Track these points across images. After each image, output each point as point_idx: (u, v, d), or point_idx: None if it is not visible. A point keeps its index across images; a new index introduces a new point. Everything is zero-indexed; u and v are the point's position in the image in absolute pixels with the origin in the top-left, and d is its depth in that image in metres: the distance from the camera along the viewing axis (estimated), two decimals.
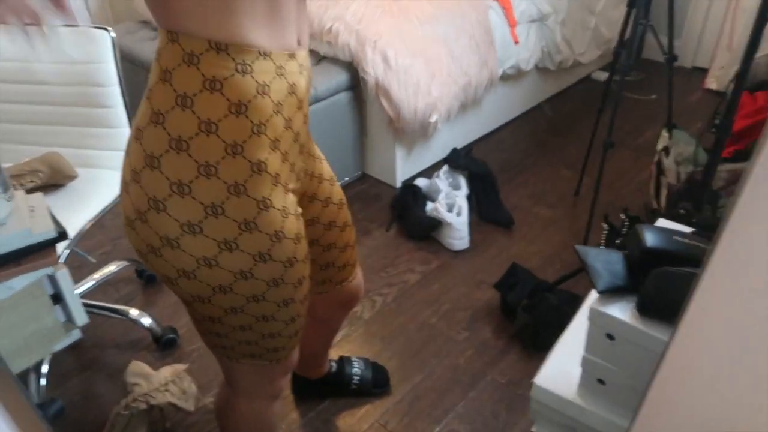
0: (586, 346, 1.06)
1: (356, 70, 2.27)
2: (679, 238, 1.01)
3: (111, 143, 1.62)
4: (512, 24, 2.64)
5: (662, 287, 0.93)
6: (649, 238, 1.00)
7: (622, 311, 0.98)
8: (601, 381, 1.08)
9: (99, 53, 1.56)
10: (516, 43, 2.67)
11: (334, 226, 1.11)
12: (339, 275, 1.20)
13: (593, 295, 1.04)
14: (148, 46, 2.51)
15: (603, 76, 3.38)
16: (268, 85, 0.75)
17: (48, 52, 1.55)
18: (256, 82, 0.74)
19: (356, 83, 2.33)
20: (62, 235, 0.87)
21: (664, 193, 2.06)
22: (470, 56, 2.44)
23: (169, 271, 0.81)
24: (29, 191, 1.35)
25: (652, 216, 1.98)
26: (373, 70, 2.20)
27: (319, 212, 1.06)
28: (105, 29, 1.55)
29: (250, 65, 0.73)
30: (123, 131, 1.62)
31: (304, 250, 0.90)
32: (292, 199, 0.86)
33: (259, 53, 0.74)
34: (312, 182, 1.02)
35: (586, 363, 1.08)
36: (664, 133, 2.08)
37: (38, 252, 0.85)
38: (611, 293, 1.01)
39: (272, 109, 0.77)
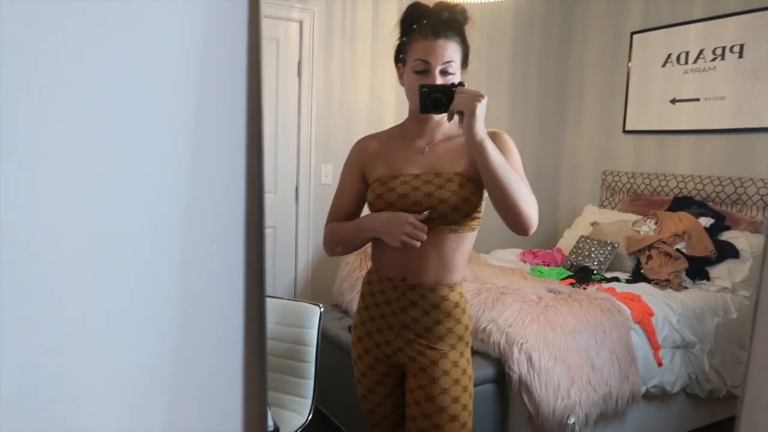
0: None
1: (503, 366, 2.58)
2: None
3: (299, 390, 2.04)
4: (655, 347, 2.84)
5: None
6: None
7: None
8: None
9: (308, 321, 2.10)
10: (659, 365, 2.83)
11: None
12: None
13: None
14: (332, 324, 3.11)
15: None
16: (373, 282, 1.59)
17: (275, 316, 2.13)
18: (368, 278, 1.61)
19: (501, 377, 2.61)
20: None
21: None
22: (611, 369, 2.65)
23: None
24: None
25: None
26: (518, 368, 2.50)
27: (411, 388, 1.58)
28: (317, 305, 2.11)
29: (373, 272, 1.60)
30: (309, 383, 2.05)
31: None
32: (367, 343, 1.60)
33: (374, 270, 1.59)
34: (413, 364, 1.55)
35: None
36: None
37: None
38: None
39: (368, 291, 1.60)
